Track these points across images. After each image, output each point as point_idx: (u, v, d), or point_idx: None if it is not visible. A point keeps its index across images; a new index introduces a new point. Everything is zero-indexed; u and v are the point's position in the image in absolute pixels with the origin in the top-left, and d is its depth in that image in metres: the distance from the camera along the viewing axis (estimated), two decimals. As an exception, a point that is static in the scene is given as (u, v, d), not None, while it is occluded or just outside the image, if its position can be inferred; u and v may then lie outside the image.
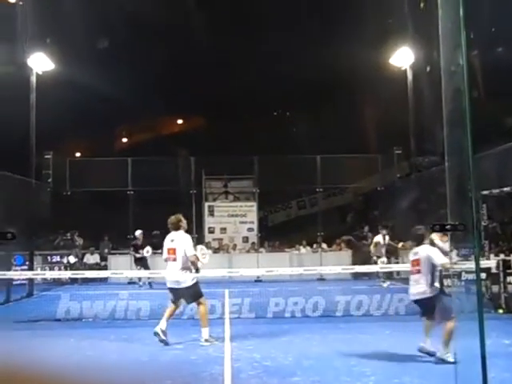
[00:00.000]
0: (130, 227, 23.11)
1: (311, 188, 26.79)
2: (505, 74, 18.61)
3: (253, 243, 25.84)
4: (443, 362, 7.96)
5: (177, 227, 10.50)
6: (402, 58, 21.61)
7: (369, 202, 27.91)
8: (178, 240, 10.34)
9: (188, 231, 10.88)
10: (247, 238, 26.58)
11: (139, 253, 20.87)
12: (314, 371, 8.09)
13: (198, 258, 10.29)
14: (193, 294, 10.33)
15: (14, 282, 18.23)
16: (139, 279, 20.58)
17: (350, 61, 23.13)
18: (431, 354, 8.35)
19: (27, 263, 19.92)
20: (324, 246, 24.84)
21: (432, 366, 7.87)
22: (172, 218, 10.58)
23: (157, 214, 23.68)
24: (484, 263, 13.49)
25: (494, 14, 16.60)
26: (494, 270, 13.72)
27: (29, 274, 18.56)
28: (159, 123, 34.47)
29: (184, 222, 10.65)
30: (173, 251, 10.29)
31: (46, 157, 22.91)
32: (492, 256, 14.47)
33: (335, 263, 20.62)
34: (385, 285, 19.55)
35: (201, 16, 25.55)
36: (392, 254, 21.18)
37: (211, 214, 26.81)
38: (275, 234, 28.16)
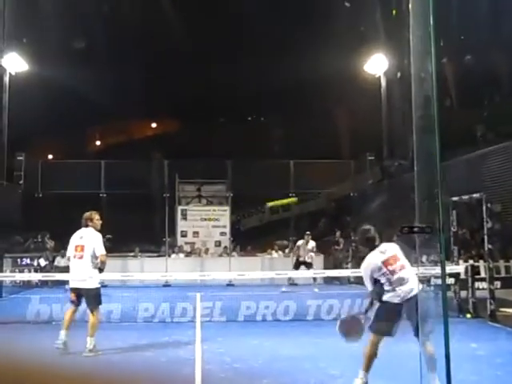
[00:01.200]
0: (104, 230, 22.93)
1: (284, 193, 26.87)
2: (474, 82, 18.91)
3: (225, 247, 25.86)
4: None
5: (87, 224, 9.95)
6: (376, 64, 21.82)
7: (341, 207, 28.06)
8: (88, 238, 9.81)
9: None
10: (220, 242, 26.58)
11: None
12: (284, 373, 8.14)
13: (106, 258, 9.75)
14: (95, 297, 9.73)
15: (-17, 285, 18.04)
16: None
17: (324, 67, 23.26)
18: None
19: (-4, 266, 19.70)
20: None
21: (399, 368, 7.96)
22: (86, 214, 10.05)
23: (129, 217, 23.78)
24: (453, 269, 13.66)
25: (464, 22, 16.87)
26: (462, 276, 13.89)
27: (-2, 277, 18.37)
28: (133, 126, 34.39)
29: (97, 220, 10.08)
30: (81, 248, 9.75)
31: (19, 158, 22.68)
32: (461, 262, 14.64)
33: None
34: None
35: (178, 17, 25.58)
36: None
37: (184, 217, 26.74)
38: (248, 239, 28.18)
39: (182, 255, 25.07)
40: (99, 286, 9.77)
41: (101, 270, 9.72)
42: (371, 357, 7.25)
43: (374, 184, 23.98)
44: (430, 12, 4.68)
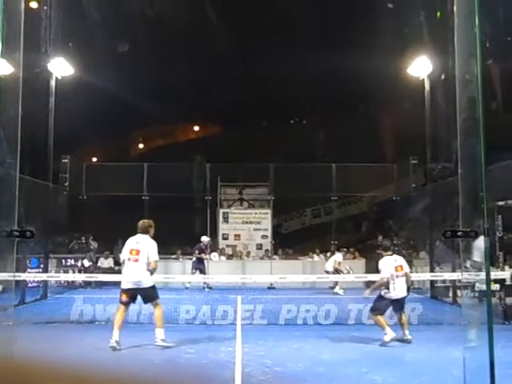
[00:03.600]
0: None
1: (326, 196, 26.75)
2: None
3: (266, 250, 25.85)
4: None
5: (146, 231, 10.76)
6: (420, 67, 21.53)
7: (384, 211, 27.80)
8: (144, 243, 10.54)
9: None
10: (261, 245, 26.59)
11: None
12: (324, 378, 8.10)
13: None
14: (152, 293, 10.49)
15: (29, 285, 18.36)
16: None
17: (367, 70, 23.09)
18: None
19: (42, 266, 20.06)
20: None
21: (442, 374, 7.84)
22: (144, 222, 10.99)
23: (171, 219, 23.98)
24: (498, 274, 13.41)
25: (510, 23, 16.54)
26: (508, 282, 13.63)
27: (43, 277, 18.68)
28: (176, 129, 34.67)
29: (153, 228, 10.95)
30: (136, 252, 10.45)
31: (64, 161, 22.99)
32: (507, 267, 14.37)
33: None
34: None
35: (222, 20, 25.70)
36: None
37: (226, 220, 26.85)
38: (289, 242, 28.14)
39: (223, 258, 25.16)
40: (153, 283, 10.60)
41: (151, 274, 10.48)
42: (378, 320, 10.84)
43: (417, 188, 23.65)
44: (475, 13, 4.61)
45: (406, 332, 10.80)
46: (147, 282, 10.37)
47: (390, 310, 11.11)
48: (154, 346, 10.18)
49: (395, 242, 22.85)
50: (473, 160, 4.66)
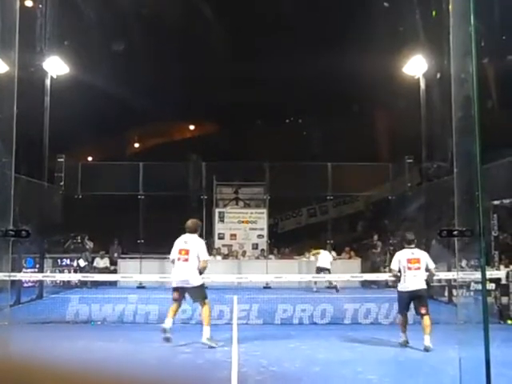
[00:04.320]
0: (141, 232, 23.25)
1: (322, 196, 26.76)
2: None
3: (262, 250, 25.82)
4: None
5: (194, 230, 10.90)
6: (415, 66, 21.55)
7: (379, 210, 27.82)
8: (193, 242, 10.67)
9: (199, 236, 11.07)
10: (257, 244, 26.57)
11: None
12: (320, 378, 8.10)
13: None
14: (200, 292, 10.62)
15: (25, 285, 18.33)
16: None
17: (362, 69, 23.10)
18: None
19: (37, 266, 20.02)
20: (333, 253, 24.79)
21: (438, 373, 7.86)
22: (192, 221, 11.06)
23: (167, 218, 23.97)
24: (494, 274, 13.44)
25: (505, 22, 16.56)
26: (503, 281, 13.65)
27: (39, 277, 18.67)
28: (171, 128, 34.60)
29: (200, 227, 11.35)
30: (186, 252, 10.55)
31: (59, 160, 22.94)
32: (502, 267, 14.40)
33: (344, 271, 20.59)
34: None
35: (216, 19, 25.67)
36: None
37: (221, 219, 26.82)
38: (285, 241, 28.12)
39: (219, 257, 25.13)
40: (203, 282, 10.76)
41: (200, 273, 10.62)
42: (402, 323, 10.66)
43: (412, 187, 23.68)
44: (470, 12, 4.61)
45: (426, 338, 9.98)
46: (196, 281, 10.50)
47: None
48: (201, 344, 10.16)
49: (390, 241, 22.90)
50: (468, 159, 4.66)
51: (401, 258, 10.62)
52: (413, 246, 10.77)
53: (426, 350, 9.81)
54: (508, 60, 20.83)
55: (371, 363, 8.81)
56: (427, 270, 10.65)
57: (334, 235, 25.31)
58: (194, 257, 10.48)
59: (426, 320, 10.16)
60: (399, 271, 10.55)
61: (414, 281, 10.41)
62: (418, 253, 10.74)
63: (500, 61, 20.10)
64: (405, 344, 10.33)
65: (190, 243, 10.66)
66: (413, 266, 10.46)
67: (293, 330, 12.14)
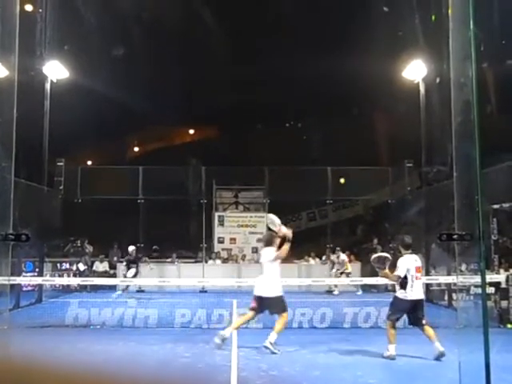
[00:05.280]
0: (140, 236, 23.27)
1: (321, 200, 26.77)
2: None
3: (262, 254, 25.75)
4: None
5: (270, 243, 11.33)
6: (415, 70, 21.57)
7: (379, 214, 27.81)
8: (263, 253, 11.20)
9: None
10: (256, 248, 26.48)
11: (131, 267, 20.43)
12: (320, 382, 8.09)
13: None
14: (278, 304, 10.69)
15: (24, 289, 18.32)
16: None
17: (362, 73, 23.13)
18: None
19: (37, 270, 20.01)
20: (332, 257, 24.77)
21: (437, 377, 7.85)
22: (271, 235, 11.59)
23: (167, 222, 23.97)
24: (494, 277, 13.44)
25: (505, 26, 16.60)
26: (503, 285, 13.65)
27: (38, 281, 18.64)
28: (171, 132, 34.64)
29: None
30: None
31: (59, 164, 22.95)
32: (502, 271, 14.39)
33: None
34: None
35: (216, 24, 25.72)
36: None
37: (221, 223, 26.79)
38: (284, 245, 28.05)
39: (218, 261, 25.11)
40: (281, 294, 10.79)
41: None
42: (391, 333, 10.04)
43: (412, 191, 23.68)
44: (470, 16, 4.62)
45: (437, 344, 9.60)
46: (274, 291, 10.65)
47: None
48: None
49: (390, 245, 22.87)
50: (468, 163, 4.66)
51: (410, 266, 10.15)
52: (410, 251, 10.46)
53: (442, 354, 9.43)
54: (507, 64, 20.88)
55: (371, 367, 8.80)
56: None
57: (333, 239, 25.31)
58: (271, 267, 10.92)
59: (429, 329, 9.93)
60: (405, 278, 10.10)
61: (419, 290, 10.18)
62: (418, 260, 10.54)
63: (499, 65, 20.13)
64: (392, 358, 9.75)
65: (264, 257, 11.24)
66: (419, 275, 10.23)
67: (292, 334, 12.11)
